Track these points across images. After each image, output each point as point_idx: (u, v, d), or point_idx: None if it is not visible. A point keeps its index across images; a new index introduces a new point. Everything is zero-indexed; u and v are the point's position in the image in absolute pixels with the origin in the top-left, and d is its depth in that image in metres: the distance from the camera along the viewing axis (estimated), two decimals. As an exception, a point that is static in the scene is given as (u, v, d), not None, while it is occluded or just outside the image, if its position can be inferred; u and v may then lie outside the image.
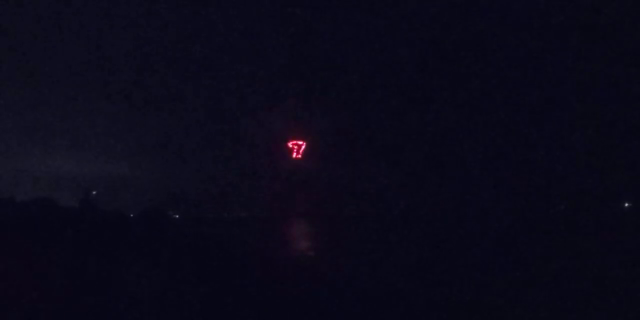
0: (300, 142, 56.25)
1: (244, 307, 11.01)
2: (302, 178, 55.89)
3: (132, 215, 36.72)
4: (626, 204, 42.14)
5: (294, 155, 56.17)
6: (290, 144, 56.12)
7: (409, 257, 21.98)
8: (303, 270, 17.40)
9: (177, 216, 48.21)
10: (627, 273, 16.14)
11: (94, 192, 26.99)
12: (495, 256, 20.92)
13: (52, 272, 13.04)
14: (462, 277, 16.11)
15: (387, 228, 38.95)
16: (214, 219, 53.28)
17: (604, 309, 12.03)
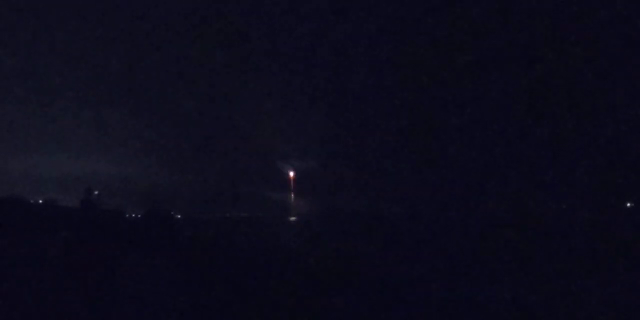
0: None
1: (246, 308, 11.02)
2: (304, 178, 55.87)
3: (134, 215, 36.81)
4: (628, 204, 42.09)
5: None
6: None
7: (410, 259, 21.99)
8: (304, 270, 17.41)
9: (180, 216, 48.23)
10: (629, 273, 16.12)
11: (96, 192, 26.94)
12: (496, 256, 20.90)
13: (53, 273, 13.06)
14: (461, 276, 16.09)
15: (389, 228, 38.90)
16: (215, 219, 53.32)
17: (606, 308, 12.01)
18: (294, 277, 15.13)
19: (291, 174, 56.18)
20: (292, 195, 55.15)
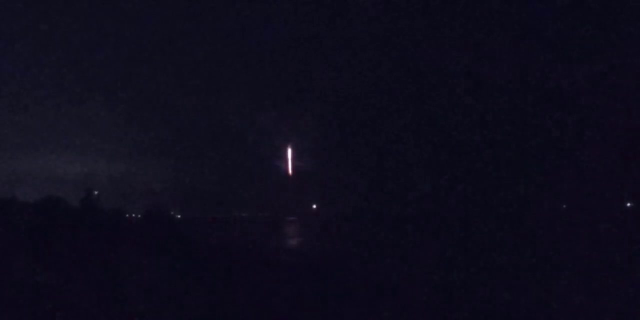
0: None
1: (245, 306, 11.04)
2: (301, 178, 56.01)
3: (134, 215, 36.89)
4: (628, 204, 42.14)
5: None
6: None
7: (408, 257, 22.01)
8: (303, 269, 17.46)
9: (179, 216, 48.36)
10: (628, 272, 16.13)
11: (96, 192, 26.96)
12: (496, 256, 20.91)
13: (54, 271, 13.10)
14: (463, 277, 16.10)
15: (387, 227, 38.96)
16: (215, 219, 53.43)
17: (605, 308, 12.02)
18: (294, 276, 15.17)
19: (290, 173, 56.16)
20: (292, 195, 55.25)
